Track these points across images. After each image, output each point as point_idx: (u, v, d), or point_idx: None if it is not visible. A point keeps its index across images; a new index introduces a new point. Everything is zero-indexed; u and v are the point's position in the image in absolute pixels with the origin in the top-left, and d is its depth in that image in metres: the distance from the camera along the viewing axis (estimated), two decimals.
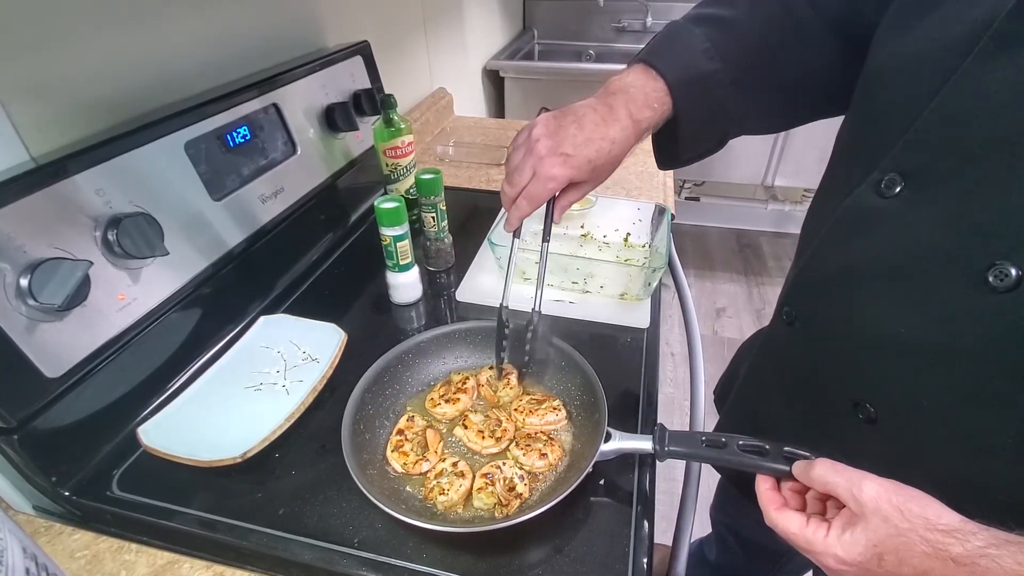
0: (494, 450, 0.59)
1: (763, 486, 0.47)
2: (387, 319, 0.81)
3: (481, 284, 0.85)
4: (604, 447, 0.53)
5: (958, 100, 0.39)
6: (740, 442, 0.49)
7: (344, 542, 0.51)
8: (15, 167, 0.53)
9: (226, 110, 0.72)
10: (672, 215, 0.91)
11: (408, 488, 0.56)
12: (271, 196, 0.80)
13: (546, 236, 0.59)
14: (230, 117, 0.73)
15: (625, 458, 0.57)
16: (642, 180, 1.20)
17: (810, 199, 0.61)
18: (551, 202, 0.57)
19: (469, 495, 0.55)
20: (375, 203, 0.74)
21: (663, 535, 0.62)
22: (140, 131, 0.61)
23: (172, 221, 0.63)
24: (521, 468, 0.57)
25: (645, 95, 0.54)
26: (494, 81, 2.11)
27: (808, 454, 0.46)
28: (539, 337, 0.64)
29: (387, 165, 0.95)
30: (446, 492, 0.54)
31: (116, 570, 0.51)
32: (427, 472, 0.57)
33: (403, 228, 0.76)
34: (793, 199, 2.75)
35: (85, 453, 0.58)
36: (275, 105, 0.80)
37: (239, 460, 0.55)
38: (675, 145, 0.59)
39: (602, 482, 0.56)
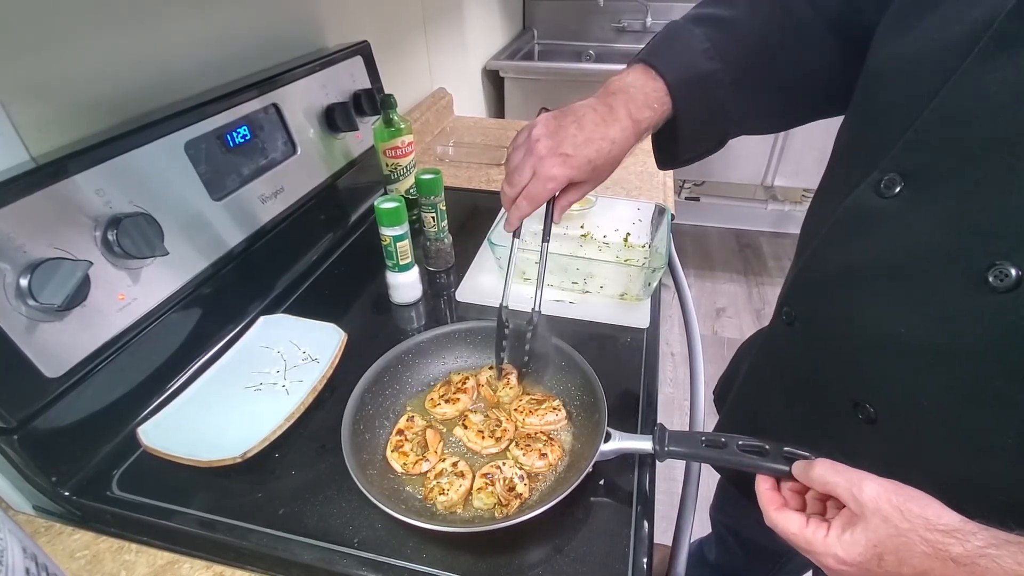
0: (494, 450, 0.59)
1: (763, 486, 0.47)
2: (387, 319, 0.81)
3: (481, 284, 0.85)
4: (604, 447, 0.53)
5: (958, 100, 0.39)
6: (740, 442, 0.49)
7: (344, 542, 0.51)
8: (15, 167, 0.53)
9: (226, 110, 0.72)
10: (672, 215, 0.91)
11: (408, 488, 0.56)
12: (271, 196, 0.80)
13: (546, 236, 0.59)
14: (230, 117, 0.73)
15: (625, 458, 0.57)
16: (642, 180, 1.20)
17: (810, 199, 0.61)
18: (551, 202, 0.57)
19: (469, 495, 0.55)
20: (375, 203, 0.74)
21: (663, 535, 0.62)
22: (140, 131, 0.61)
23: (172, 221, 0.63)
24: (521, 468, 0.57)
25: (645, 95, 0.54)
26: (494, 81, 2.11)
27: (808, 454, 0.46)
28: (539, 337, 0.64)
29: (387, 165, 0.95)
30: (446, 492, 0.54)
31: (116, 570, 0.51)
32: (427, 472, 0.57)
33: (403, 228, 0.76)
34: (793, 199, 2.75)
35: (85, 453, 0.58)
36: (275, 105, 0.80)
37: (239, 460, 0.55)
38: (675, 145, 0.59)
39: (602, 482, 0.56)
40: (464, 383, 0.66)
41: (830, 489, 0.41)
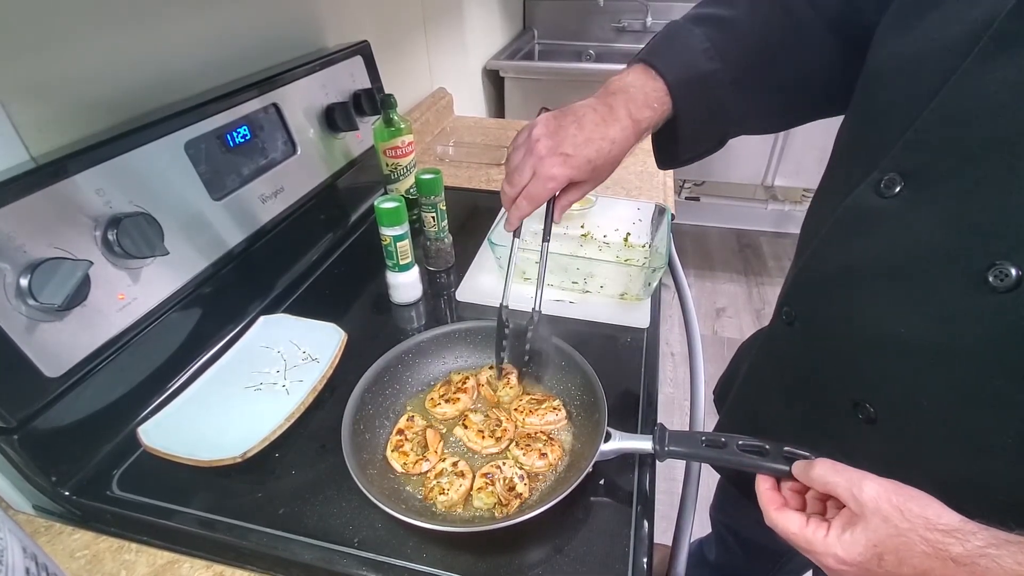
0: (494, 450, 0.59)
1: (763, 486, 0.47)
2: (387, 319, 0.81)
3: (481, 284, 0.85)
4: (604, 447, 0.53)
5: (958, 100, 0.39)
6: (740, 442, 0.49)
7: (344, 542, 0.51)
8: (15, 167, 0.53)
9: (226, 110, 0.72)
10: (672, 215, 0.91)
11: (408, 488, 0.56)
12: (271, 196, 0.80)
13: (546, 236, 0.59)
14: (230, 117, 0.73)
15: (625, 458, 0.57)
16: (642, 180, 1.20)
17: (810, 199, 0.61)
18: (551, 202, 0.57)
19: (469, 495, 0.55)
20: (375, 203, 0.74)
21: (663, 535, 0.62)
22: (140, 131, 0.61)
23: (172, 221, 0.63)
24: (521, 468, 0.57)
25: (645, 95, 0.54)
26: (494, 81, 2.11)
27: (808, 454, 0.46)
28: (539, 337, 0.64)
29: (387, 165, 0.95)
30: (446, 492, 0.54)
31: (116, 570, 0.51)
32: (427, 472, 0.57)
33: (403, 228, 0.76)
34: (793, 199, 2.75)
35: (85, 453, 0.58)
36: (275, 105, 0.80)
37: (239, 460, 0.55)
38: (675, 145, 0.59)
39: (602, 482, 0.56)
40: (464, 383, 0.66)
41: (830, 489, 0.41)
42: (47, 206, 0.52)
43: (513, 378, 0.66)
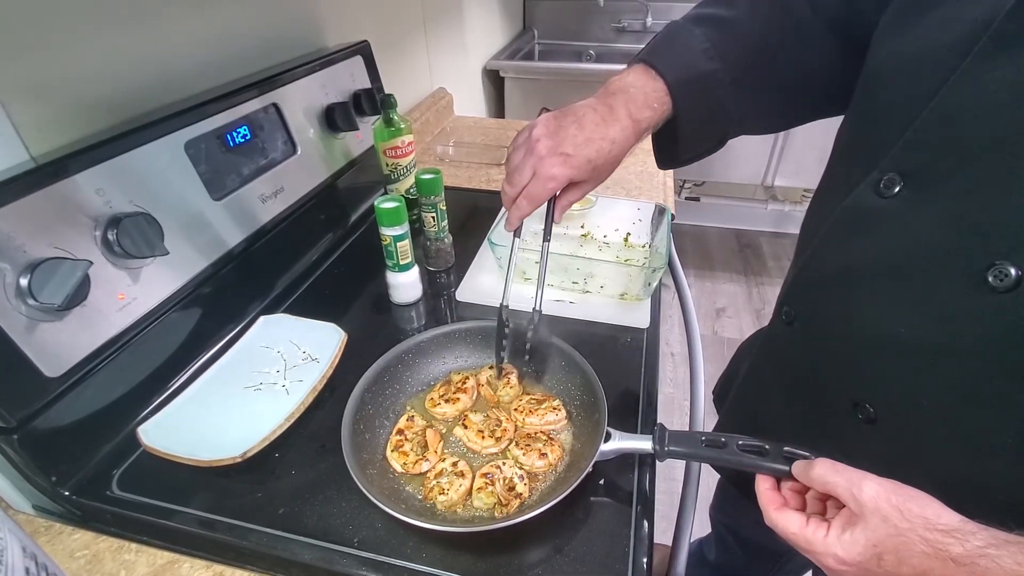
0: (494, 450, 0.59)
1: (763, 486, 0.47)
2: (387, 319, 0.81)
3: (481, 284, 0.85)
4: (604, 447, 0.53)
5: (958, 100, 0.39)
6: (740, 442, 0.49)
7: (344, 542, 0.51)
8: (15, 167, 0.53)
9: (226, 110, 0.72)
10: (672, 215, 0.91)
11: (408, 488, 0.56)
12: (271, 196, 0.80)
13: (546, 236, 0.59)
14: (230, 117, 0.73)
15: (625, 458, 0.57)
16: (642, 180, 1.20)
17: (810, 199, 0.61)
18: (551, 202, 0.57)
19: (469, 495, 0.55)
20: (375, 203, 0.74)
21: (663, 535, 0.62)
22: (140, 131, 0.61)
23: (172, 221, 0.63)
24: (521, 468, 0.57)
25: (645, 95, 0.54)
26: (494, 81, 2.11)
27: (808, 454, 0.46)
28: (539, 337, 0.64)
29: (387, 165, 0.95)
30: (446, 492, 0.54)
31: (116, 570, 0.51)
32: (427, 472, 0.57)
33: (403, 228, 0.76)
34: (793, 199, 2.75)
35: (85, 453, 0.58)
36: (275, 105, 0.80)
37: (239, 460, 0.55)
38: (675, 145, 0.59)
39: (602, 482, 0.56)
40: (464, 383, 0.66)
41: (830, 489, 0.41)
42: (47, 206, 0.52)
43: (513, 378, 0.66)
